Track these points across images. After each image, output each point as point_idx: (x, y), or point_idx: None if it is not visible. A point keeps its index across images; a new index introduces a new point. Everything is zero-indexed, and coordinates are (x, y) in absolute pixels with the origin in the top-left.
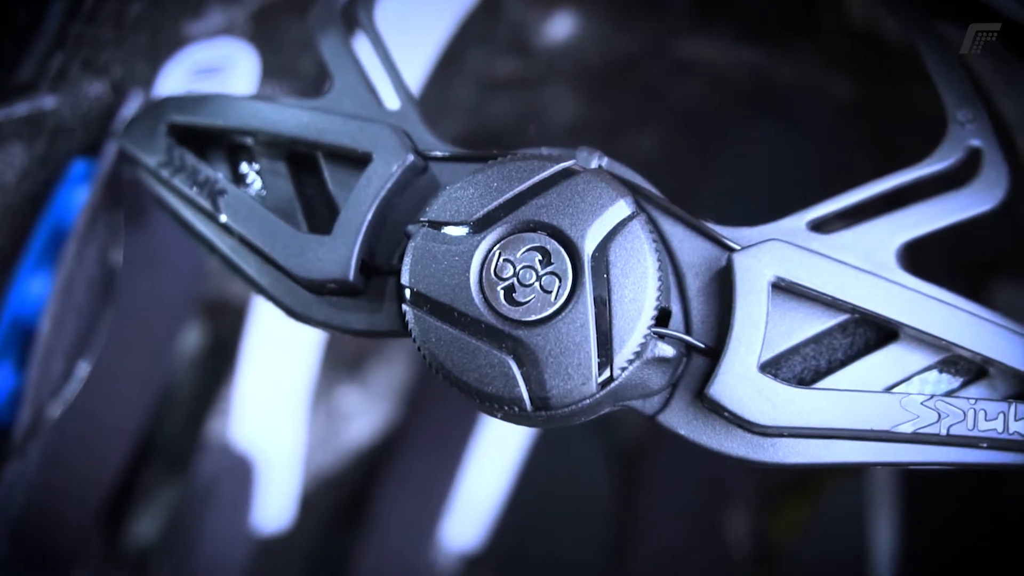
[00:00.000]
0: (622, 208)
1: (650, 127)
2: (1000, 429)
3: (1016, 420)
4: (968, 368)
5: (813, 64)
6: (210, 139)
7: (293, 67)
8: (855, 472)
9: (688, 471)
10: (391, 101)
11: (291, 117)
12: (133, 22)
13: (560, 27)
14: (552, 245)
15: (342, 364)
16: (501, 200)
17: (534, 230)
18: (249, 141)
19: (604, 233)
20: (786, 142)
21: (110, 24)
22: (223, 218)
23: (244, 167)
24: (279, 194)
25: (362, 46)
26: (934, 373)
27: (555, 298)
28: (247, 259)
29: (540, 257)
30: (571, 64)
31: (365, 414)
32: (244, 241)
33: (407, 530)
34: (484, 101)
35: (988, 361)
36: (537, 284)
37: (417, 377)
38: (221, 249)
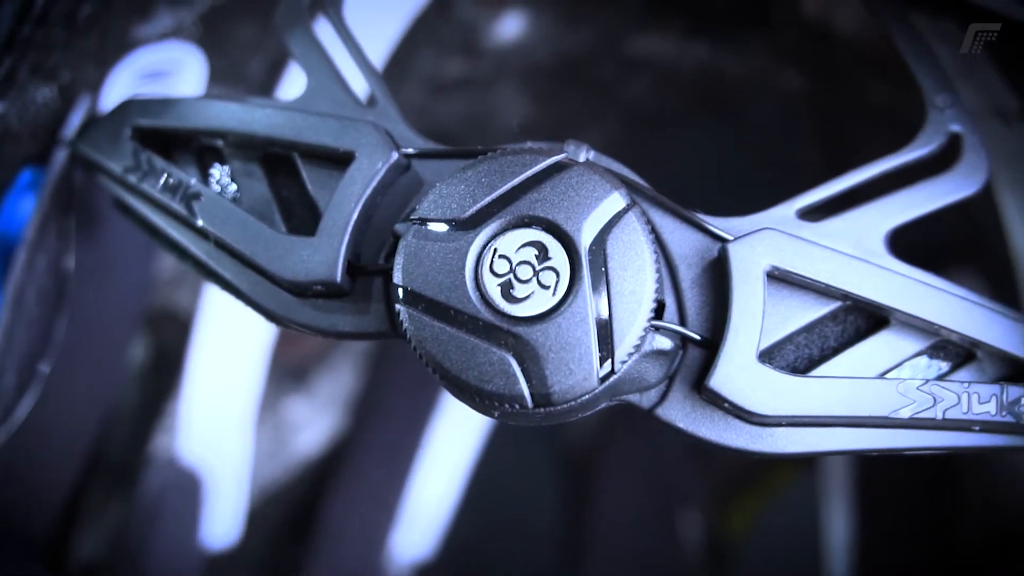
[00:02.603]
0: (617, 200)
1: (599, 125)
2: (993, 412)
3: (1008, 402)
4: (957, 352)
5: (763, 58)
6: (177, 142)
7: (241, 70)
8: (807, 465)
9: (637, 474)
10: (367, 99)
11: (265, 117)
12: (83, 24)
13: (510, 26)
14: (548, 240)
15: (288, 375)
16: (494, 196)
17: (529, 225)
18: (219, 143)
19: (600, 226)
20: (735, 137)
21: (60, 26)
22: (200, 222)
23: (216, 170)
24: (254, 196)
25: (331, 43)
26: (924, 359)
27: (553, 293)
28: (224, 263)
29: (536, 252)
30: (521, 63)
31: (312, 425)
32: (221, 245)
33: (358, 541)
34: (433, 103)
35: (976, 344)
36: (534, 280)
37: (364, 386)
38: (195, 254)
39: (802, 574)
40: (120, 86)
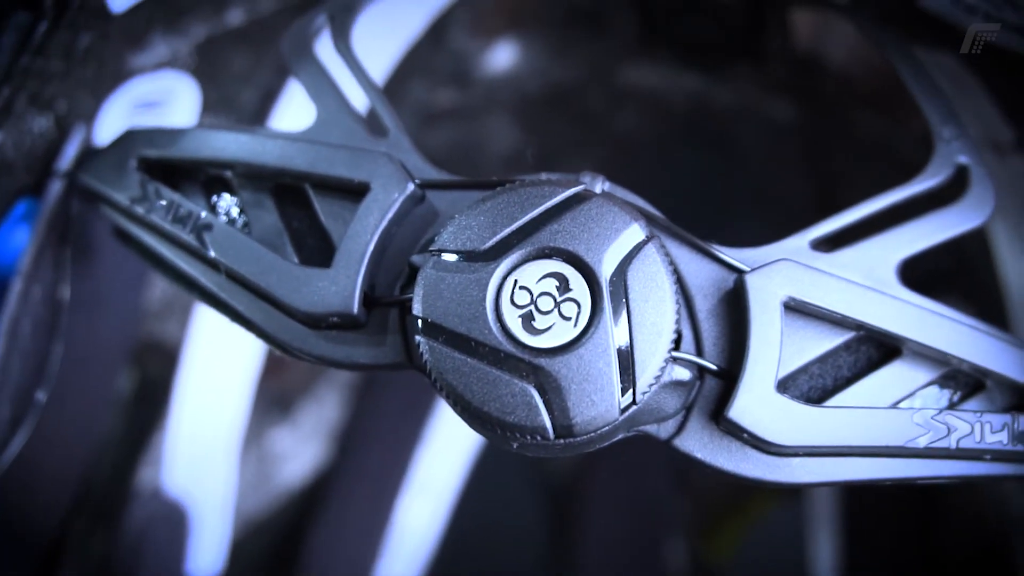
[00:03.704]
0: (637, 232)
1: (589, 155)
2: (1005, 441)
3: (1019, 431)
4: (966, 382)
5: (753, 89)
6: (183, 173)
7: (234, 100)
8: (792, 491)
9: (622, 500)
10: (378, 129)
11: (276, 148)
12: (82, 54)
13: (501, 57)
14: (569, 271)
15: (272, 405)
16: (514, 227)
17: (549, 256)
18: (227, 174)
19: (621, 257)
20: (725, 167)
21: (59, 57)
22: (212, 254)
23: (223, 201)
24: (265, 227)
25: (339, 73)
26: (935, 388)
27: (575, 324)
28: (237, 295)
29: (557, 283)
30: (511, 94)
31: (297, 456)
32: (233, 276)
33: (342, 572)
34: (422, 132)
35: (986, 373)
36: (556, 311)
37: (349, 416)
38: (206, 286)
39: None
40: (114, 116)
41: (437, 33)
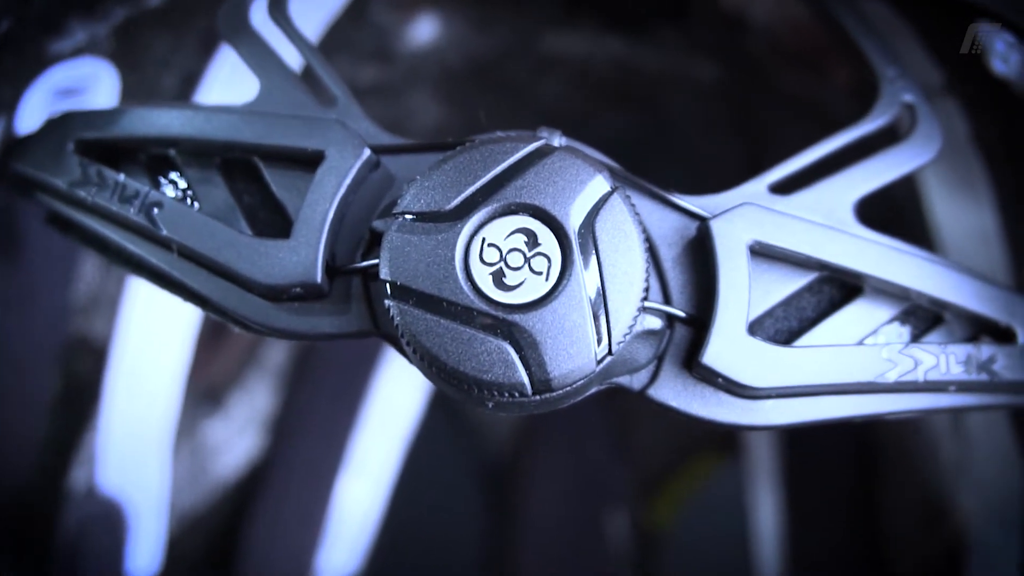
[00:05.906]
0: (602, 183)
1: (515, 126)
2: (968, 371)
3: (982, 361)
4: (925, 316)
5: (679, 51)
6: (124, 155)
7: (155, 85)
8: (731, 450)
9: (561, 477)
10: (325, 98)
11: (222, 122)
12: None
13: (423, 30)
14: (536, 226)
15: (203, 398)
16: (478, 185)
17: (516, 212)
18: (171, 152)
19: (588, 209)
20: (652, 132)
21: None
22: (164, 232)
23: (171, 180)
24: (215, 205)
25: (278, 42)
26: (895, 325)
27: (546, 279)
28: (191, 274)
29: (526, 239)
30: (434, 67)
31: (231, 448)
32: (185, 254)
33: (283, 563)
34: None
35: (944, 306)
36: (526, 266)
37: (281, 405)
38: (157, 267)
39: (731, 558)
40: (34, 106)
41: (358, 8)
